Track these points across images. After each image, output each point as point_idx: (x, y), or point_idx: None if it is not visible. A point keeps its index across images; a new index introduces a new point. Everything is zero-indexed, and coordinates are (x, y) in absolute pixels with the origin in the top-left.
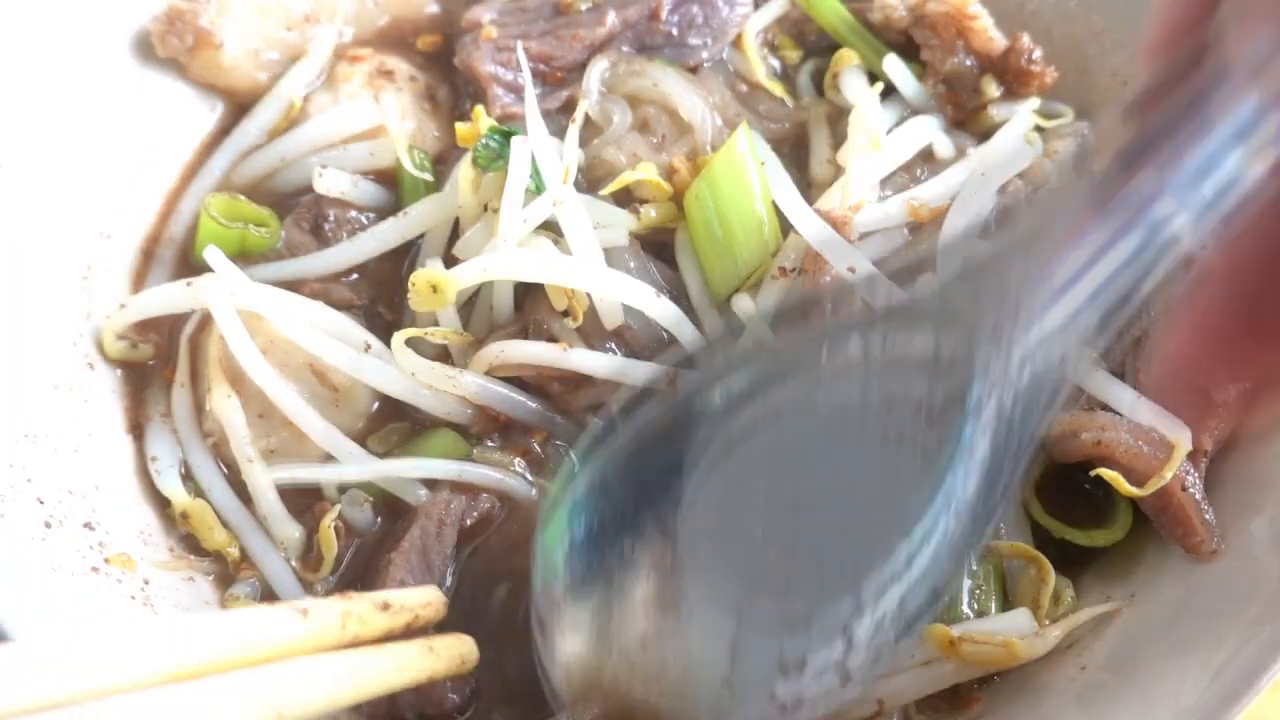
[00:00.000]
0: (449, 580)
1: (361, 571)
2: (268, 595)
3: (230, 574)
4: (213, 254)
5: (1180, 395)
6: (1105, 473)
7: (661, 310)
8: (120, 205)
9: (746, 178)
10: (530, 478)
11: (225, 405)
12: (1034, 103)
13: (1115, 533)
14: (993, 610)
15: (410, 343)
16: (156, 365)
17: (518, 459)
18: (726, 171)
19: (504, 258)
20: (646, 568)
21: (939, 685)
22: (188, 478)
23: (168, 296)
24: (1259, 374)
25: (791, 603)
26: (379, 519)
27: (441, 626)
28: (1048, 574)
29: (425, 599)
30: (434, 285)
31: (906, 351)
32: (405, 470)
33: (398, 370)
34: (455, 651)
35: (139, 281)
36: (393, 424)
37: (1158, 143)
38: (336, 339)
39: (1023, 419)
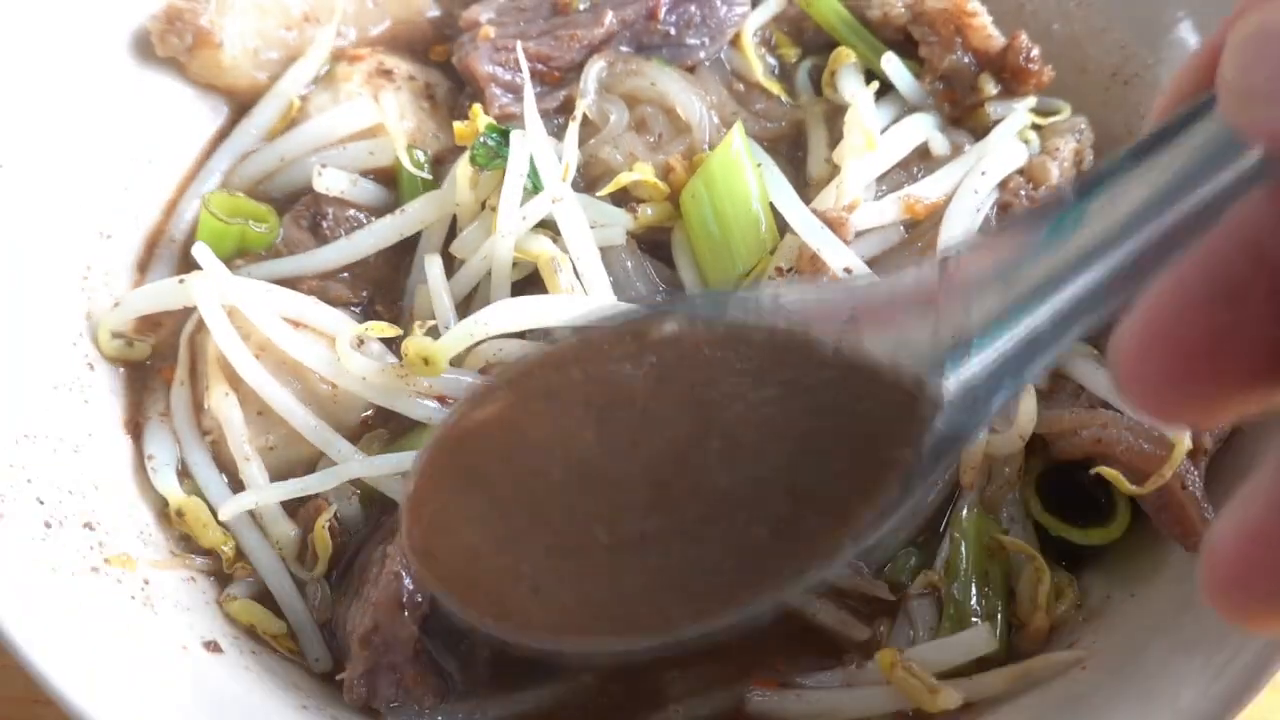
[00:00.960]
0: None
1: (350, 562)
2: (264, 594)
3: (226, 572)
4: (201, 251)
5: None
6: (1105, 471)
7: None
8: (120, 205)
9: (743, 176)
10: None
11: (223, 403)
12: (1030, 101)
13: (1112, 531)
14: (999, 608)
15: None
16: (156, 365)
17: None
18: (723, 170)
19: (496, 313)
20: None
21: (879, 710)
22: (185, 476)
23: (160, 293)
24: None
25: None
26: (366, 514)
27: (428, 618)
28: (1044, 572)
29: None
30: (425, 358)
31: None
32: (395, 465)
33: (370, 372)
34: None
35: (139, 282)
36: (377, 430)
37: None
38: (328, 336)
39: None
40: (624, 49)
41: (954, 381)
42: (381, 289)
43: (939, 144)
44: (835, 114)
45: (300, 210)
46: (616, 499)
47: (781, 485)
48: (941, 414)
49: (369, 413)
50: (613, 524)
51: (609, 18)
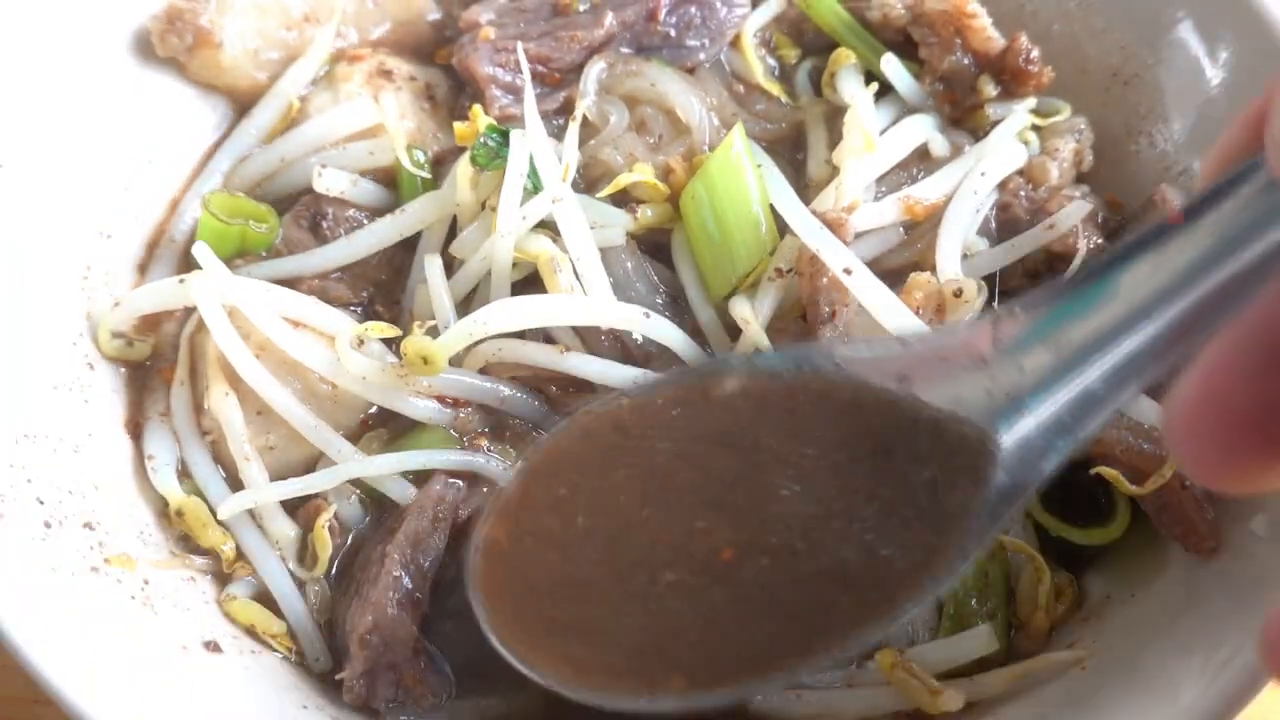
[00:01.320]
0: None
1: (349, 562)
2: (264, 594)
3: (225, 572)
4: (201, 250)
5: (1190, 445)
6: (1105, 471)
7: (652, 328)
8: (120, 205)
9: (743, 178)
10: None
11: (223, 403)
12: (1030, 102)
13: (1112, 531)
14: (999, 608)
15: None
16: (156, 365)
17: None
18: (723, 172)
19: (494, 312)
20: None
21: (879, 710)
22: (185, 476)
23: (161, 293)
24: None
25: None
26: (367, 515)
27: (428, 618)
28: (1044, 572)
29: None
30: (424, 357)
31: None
32: (394, 465)
33: (370, 371)
34: None
35: (139, 282)
36: (377, 430)
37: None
38: (328, 336)
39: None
40: (624, 50)
41: (1009, 439)
42: (381, 289)
43: (939, 145)
44: (835, 115)
45: (300, 210)
46: (679, 556)
47: (848, 545)
48: (1002, 470)
49: (369, 412)
50: (673, 580)
51: (609, 19)
